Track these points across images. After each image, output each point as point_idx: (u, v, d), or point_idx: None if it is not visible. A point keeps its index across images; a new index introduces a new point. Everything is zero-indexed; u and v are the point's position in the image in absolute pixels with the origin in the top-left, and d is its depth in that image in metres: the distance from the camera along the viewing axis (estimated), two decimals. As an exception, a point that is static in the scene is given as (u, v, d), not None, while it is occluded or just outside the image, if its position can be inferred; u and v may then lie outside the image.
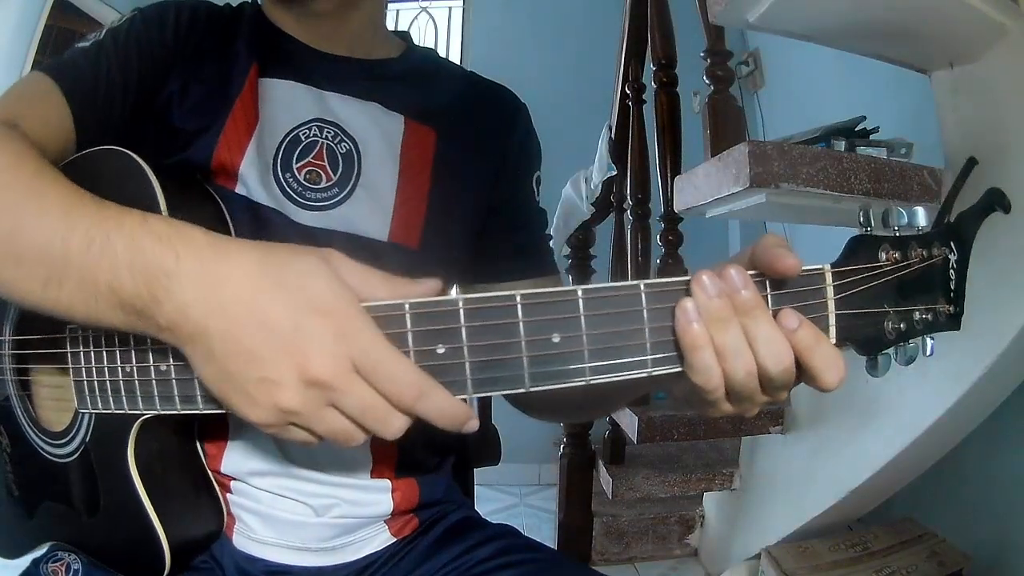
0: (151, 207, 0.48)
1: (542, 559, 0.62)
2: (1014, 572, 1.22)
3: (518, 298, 0.37)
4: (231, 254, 0.37)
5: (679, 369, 0.38)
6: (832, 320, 0.38)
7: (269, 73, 0.62)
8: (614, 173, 1.83)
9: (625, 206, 1.81)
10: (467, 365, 0.37)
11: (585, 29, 2.77)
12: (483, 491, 2.49)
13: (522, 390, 0.37)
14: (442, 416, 0.37)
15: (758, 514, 1.58)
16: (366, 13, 0.67)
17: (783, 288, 0.38)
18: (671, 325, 0.37)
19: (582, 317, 0.37)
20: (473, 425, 0.38)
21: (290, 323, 0.36)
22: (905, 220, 0.39)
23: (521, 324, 0.37)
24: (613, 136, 1.91)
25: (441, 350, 0.37)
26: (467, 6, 3.06)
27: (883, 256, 0.39)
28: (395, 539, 0.65)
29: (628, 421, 1.51)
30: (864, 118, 1.22)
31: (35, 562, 0.60)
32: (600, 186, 1.86)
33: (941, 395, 1.06)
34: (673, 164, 1.51)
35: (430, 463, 0.68)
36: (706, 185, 1.12)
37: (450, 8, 3.12)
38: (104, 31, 0.60)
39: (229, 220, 0.56)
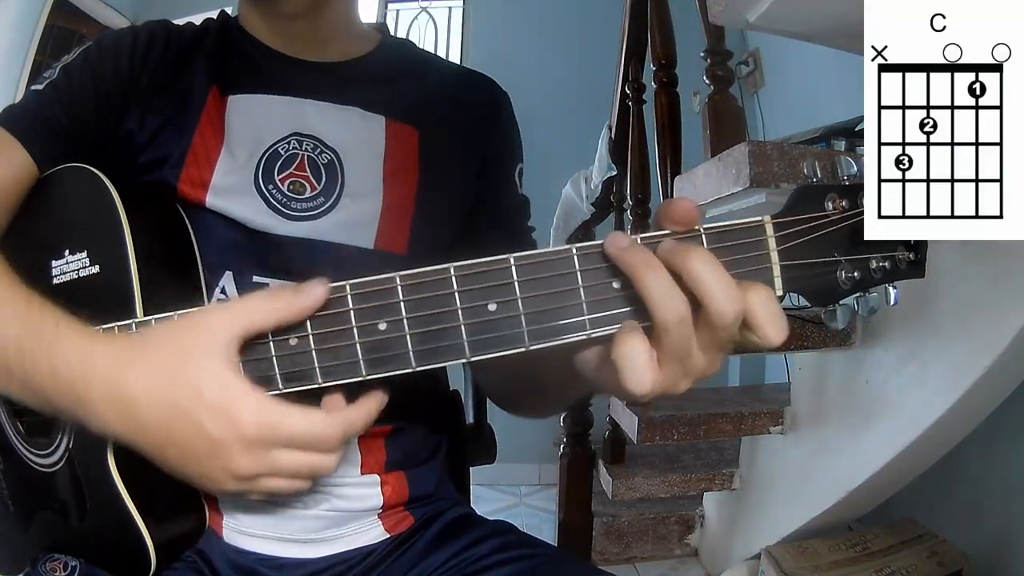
0: (115, 232, 0.50)
1: (541, 555, 0.62)
2: (1014, 572, 1.22)
3: (452, 270, 0.38)
4: (130, 378, 0.39)
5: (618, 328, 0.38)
6: (777, 272, 0.37)
7: (240, 89, 0.61)
8: (614, 173, 1.83)
9: (625, 206, 1.81)
10: (408, 338, 0.38)
11: (585, 29, 2.77)
12: (483, 491, 2.52)
13: (463, 360, 0.38)
14: (370, 420, 0.42)
15: (758, 514, 1.58)
16: (338, 10, 0.66)
17: (720, 242, 0.37)
18: (608, 283, 0.37)
19: (515, 283, 0.37)
20: (385, 395, 0.42)
21: (201, 437, 0.39)
22: (854, 170, 0.37)
23: (456, 295, 0.38)
24: (613, 136, 1.91)
25: (383, 326, 0.38)
26: (467, 6, 3.06)
27: (829, 205, 0.37)
28: (389, 535, 0.65)
29: (628, 421, 1.51)
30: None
31: (32, 562, 0.59)
32: (600, 186, 1.86)
33: (941, 395, 1.06)
34: (673, 164, 1.51)
35: (419, 456, 0.68)
36: (706, 185, 1.12)
37: (450, 8, 3.12)
38: (58, 68, 0.58)
39: (195, 244, 0.56)
